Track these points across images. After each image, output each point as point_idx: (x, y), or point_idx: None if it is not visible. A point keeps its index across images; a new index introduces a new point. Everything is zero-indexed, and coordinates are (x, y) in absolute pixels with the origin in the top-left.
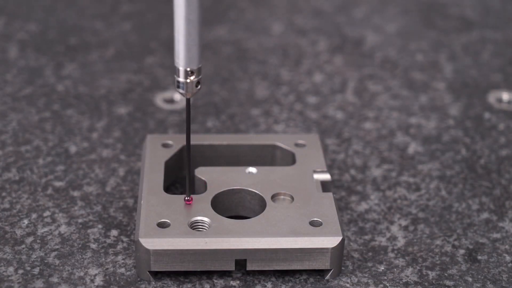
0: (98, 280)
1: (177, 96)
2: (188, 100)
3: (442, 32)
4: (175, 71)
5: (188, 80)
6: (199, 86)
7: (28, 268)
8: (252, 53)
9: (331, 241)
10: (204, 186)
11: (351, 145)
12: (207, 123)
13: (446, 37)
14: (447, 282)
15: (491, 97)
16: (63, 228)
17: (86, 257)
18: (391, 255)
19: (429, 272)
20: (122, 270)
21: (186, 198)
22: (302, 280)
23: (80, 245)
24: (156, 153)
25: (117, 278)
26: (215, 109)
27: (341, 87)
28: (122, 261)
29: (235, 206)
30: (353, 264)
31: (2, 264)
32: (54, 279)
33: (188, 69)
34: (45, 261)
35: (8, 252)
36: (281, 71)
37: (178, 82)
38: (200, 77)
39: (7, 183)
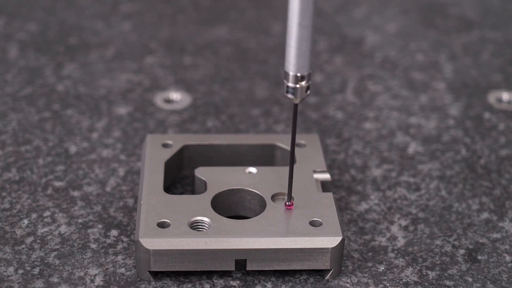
0: (98, 280)
1: (177, 96)
2: (295, 106)
3: (442, 32)
4: (284, 75)
5: (298, 86)
6: (308, 92)
7: (28, 268)
8: (252, 53)
9: (331, 241)
10: (204, 186)
11: (351, 145)
12: (207, 123)
13: (446, 37)
14: (447, 282)
15: (491, 97)
16: (63, 228)
17: (86, 257)
18: (391, 255)
19: (429, 272)
20: (122, 270)
21: (287, 203)
22: (302, 280)
23: (80, 245)
24: (156, 153)
25: (117, 278)
26: (215, 109)
27: (341, 87)
28: (122, 261)
29: (235, 206)
30: (353, 264)
31: (2, 264)
32: (54, 279)
33: (299, 74)
34: (45, 261)
35: (8, 252)
36: (281, 71)
37: (288, 87)
38: (310, 82)
39: (7, 183)
